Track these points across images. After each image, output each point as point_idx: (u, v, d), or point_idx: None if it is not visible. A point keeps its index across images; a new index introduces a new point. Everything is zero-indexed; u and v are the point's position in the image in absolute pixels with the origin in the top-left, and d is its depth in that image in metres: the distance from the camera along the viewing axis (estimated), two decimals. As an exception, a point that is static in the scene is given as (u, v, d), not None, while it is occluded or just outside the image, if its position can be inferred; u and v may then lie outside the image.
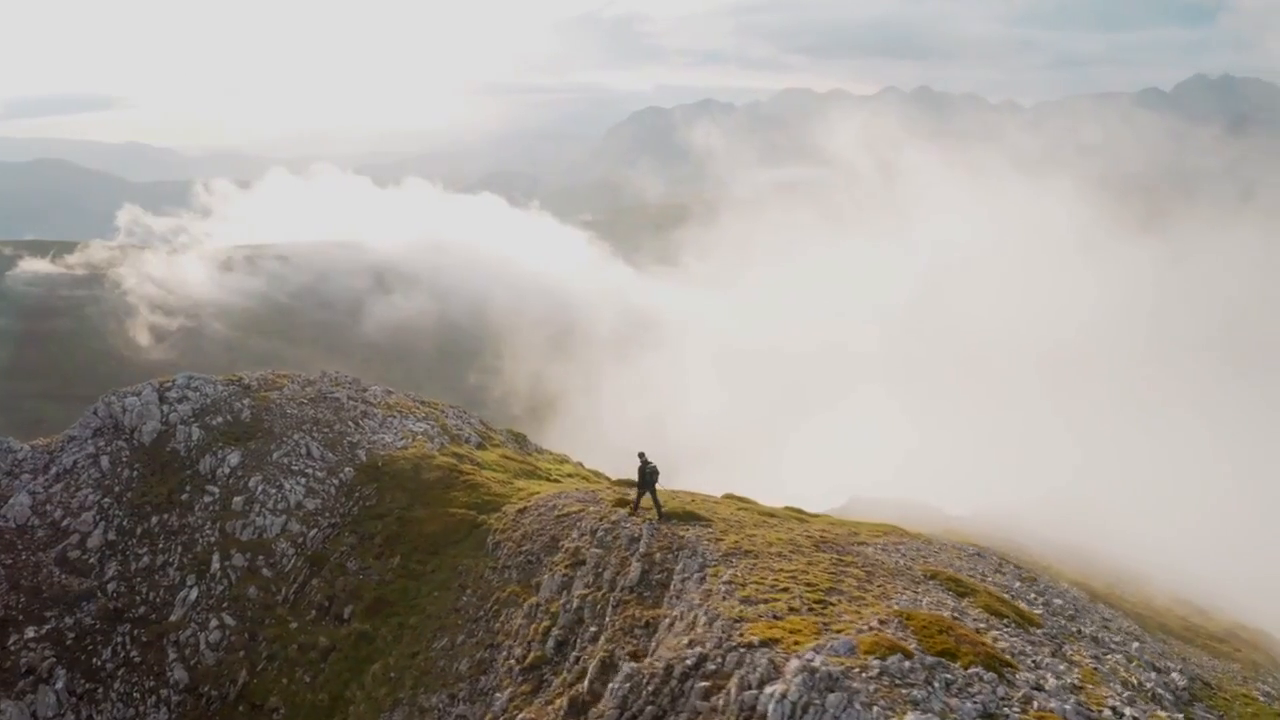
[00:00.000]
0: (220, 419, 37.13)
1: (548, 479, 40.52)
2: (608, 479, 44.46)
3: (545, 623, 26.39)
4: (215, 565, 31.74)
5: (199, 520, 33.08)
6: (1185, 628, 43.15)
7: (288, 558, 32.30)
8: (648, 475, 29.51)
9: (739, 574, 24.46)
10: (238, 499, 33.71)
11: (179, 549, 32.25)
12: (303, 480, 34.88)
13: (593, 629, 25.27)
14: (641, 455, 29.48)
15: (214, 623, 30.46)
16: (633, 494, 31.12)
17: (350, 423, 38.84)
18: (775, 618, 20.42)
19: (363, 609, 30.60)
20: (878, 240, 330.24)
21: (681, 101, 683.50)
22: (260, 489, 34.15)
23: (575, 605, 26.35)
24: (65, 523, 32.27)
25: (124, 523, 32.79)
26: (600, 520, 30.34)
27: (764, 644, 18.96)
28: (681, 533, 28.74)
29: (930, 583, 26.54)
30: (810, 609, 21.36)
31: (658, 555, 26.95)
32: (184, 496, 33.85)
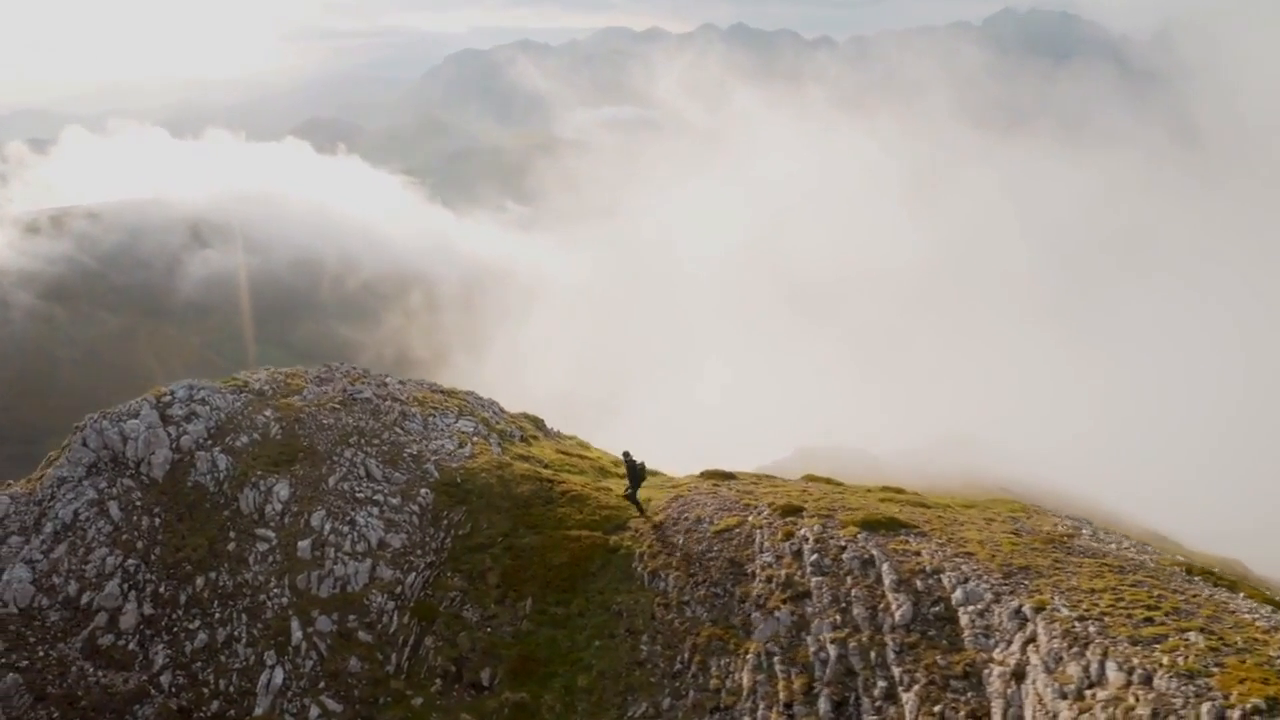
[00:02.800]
0: (245, 438, 29.34)
1: (621, 476, 35.28)
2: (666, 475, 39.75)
3: (800, 678, 21.77)
4: (297, 635, 24.76)
5: (260, 576, 25.78)
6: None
7: (387, 614, 25.73)
8: (639, 471, 28.80)
9: (1064, 601, 20.96)
10: (303, 543, 26.56)
11: (243, 618, 24.96)
12: (375, 510, 28.04)
13: (880, 683, 20.98)
14: (626, 454, 29.38)
15: (314, 711, 23.71)
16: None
17: (397, 429, 31.96)
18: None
19: (507, 671, 24.74)
20: (711, 182, 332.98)
21: (498, 42, 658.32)
22: (328, 527, 27.10)
23: (833, 653, 21.88)
24: (84, 599, 24.19)
25: (160, 590, 25.04)
26: (787, 537, 25.87)
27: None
28: (901, 547, 24.82)
29: (1199, 581, 24.10)
30: (1223, 645, 18.02)
31: (918, 584, 22.85)
32: (231, 546, 26.31)
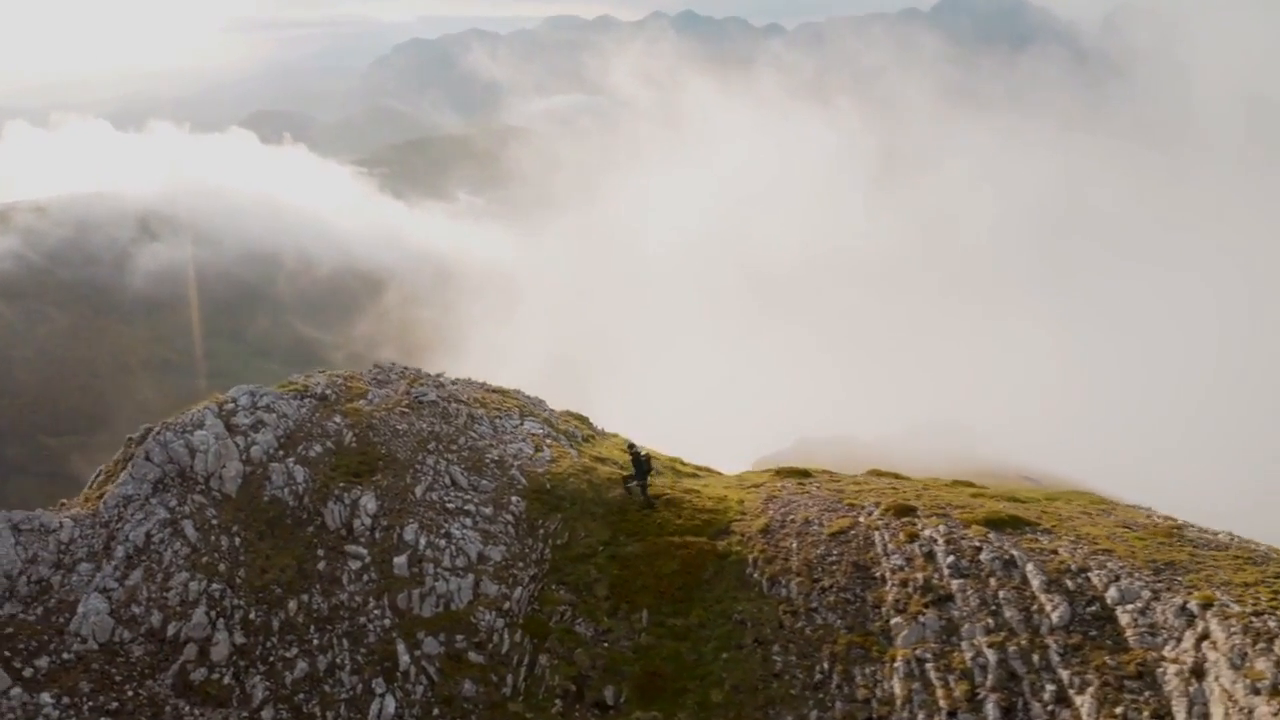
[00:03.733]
0: (318, 447, 27.30)
1: (691, 475, 33.92)
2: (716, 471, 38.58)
3: (961, 684, 20.68)
4: (404, 659, 22.97)
5: (356, 597, 23.89)
6: None
7: (497, 632, 24.05)
8: (644, 464, 28.33)
9: (1228, 596, 20.18)
10: (398, 559, 24.71)
11: (344, 643, 23.09)
12: (469, 521, 26.29)
13: (1048, 687, 20.02)
14: (631, 445, 29.14)
15: (431, 739, 21.97)
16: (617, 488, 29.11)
17: (470, 432, 30.21)
18: None
19: (633, 689, 23.25)
20: (670, 171, 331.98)
21: (447, 31, 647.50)
22: (423, 541, 25.27)
23: (993, 658, 20.83)
24: (170, 630, 22.10)
25: (250, 616, 23.02)
26: (911, 539, 24.81)
27: None
28: (1034, 545, 23.87)
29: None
30: None
31: (1067, 583, 21.90)
32: (321, 565, 24.36)
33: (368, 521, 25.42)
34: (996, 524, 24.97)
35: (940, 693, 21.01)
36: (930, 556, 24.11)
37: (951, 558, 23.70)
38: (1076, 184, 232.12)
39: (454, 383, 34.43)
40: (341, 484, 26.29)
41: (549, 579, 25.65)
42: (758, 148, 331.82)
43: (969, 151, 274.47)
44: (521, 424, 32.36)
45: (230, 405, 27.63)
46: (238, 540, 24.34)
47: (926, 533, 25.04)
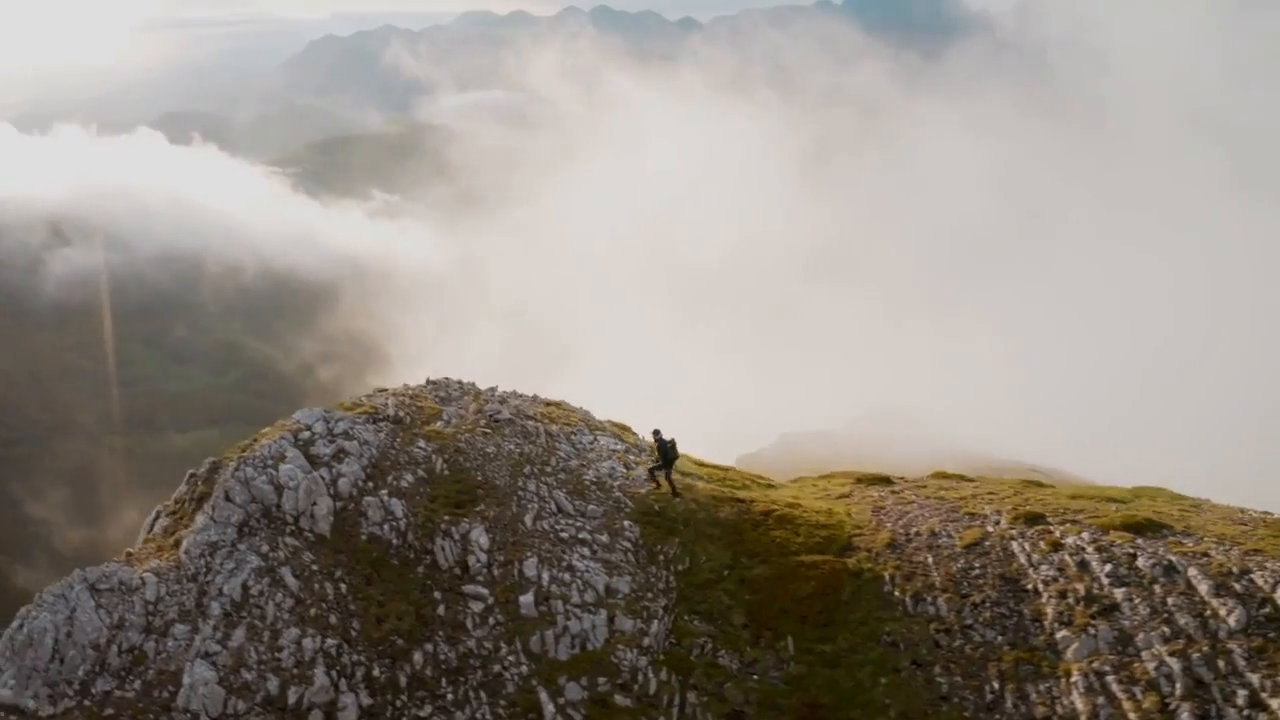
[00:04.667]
0: (409, 477, 24.90)
1: (744, 487, 32.42)
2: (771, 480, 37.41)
3: (1149, 695, 19.79)
4: (549, 708, 20.93)
5: (485, 643, 21.70)
6: None
7: (640, 671, 22.15)
8: (669, 451, 27.12)
9: None
10: (524, 598, 22.58)
11: (481, 695, 20.90)
12: (587, 551, 24.30)
13: (1240, 692, 19.26)
14: (657, 433, 27.44)
15: (591, 795, 20.01)
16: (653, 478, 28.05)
17: (557, 453, 28.18)
18: None
19: (795, 723, 21.66)
20: (595, 169, 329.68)
21: (360, 28, 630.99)
22: (546, 576, 23.18)
23: (1177, 667, 20.01)
24: (290, 696, 19.56)
25: (374, 672, 20.62)
26: (1055, 548, 23.95)
27: None
28: (1183, 549, 23.20)
29: None
30: None
31: (1235, 586, 21.24)
32: (441, 610, 22.06)
33: (483, 557, 23.20)
34: (1137, 528, 24.25)
35: (1128, 705, 20.07)
36: (1084, 566, 23.19)
37: (1109, 566, 22.81)
38: (1006, 171, 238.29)
39: (516, 397, 32.20)
40: (446, 517, 23.98)
41: (679, 609, 23.85)
42: (684, 143, 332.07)
43: (896, 142, 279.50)
44: (595, 440, 30.39)
45: (306, 433, 24.97)
46: (343, 587, 21.85)
47: (1070, 540, 24.14)
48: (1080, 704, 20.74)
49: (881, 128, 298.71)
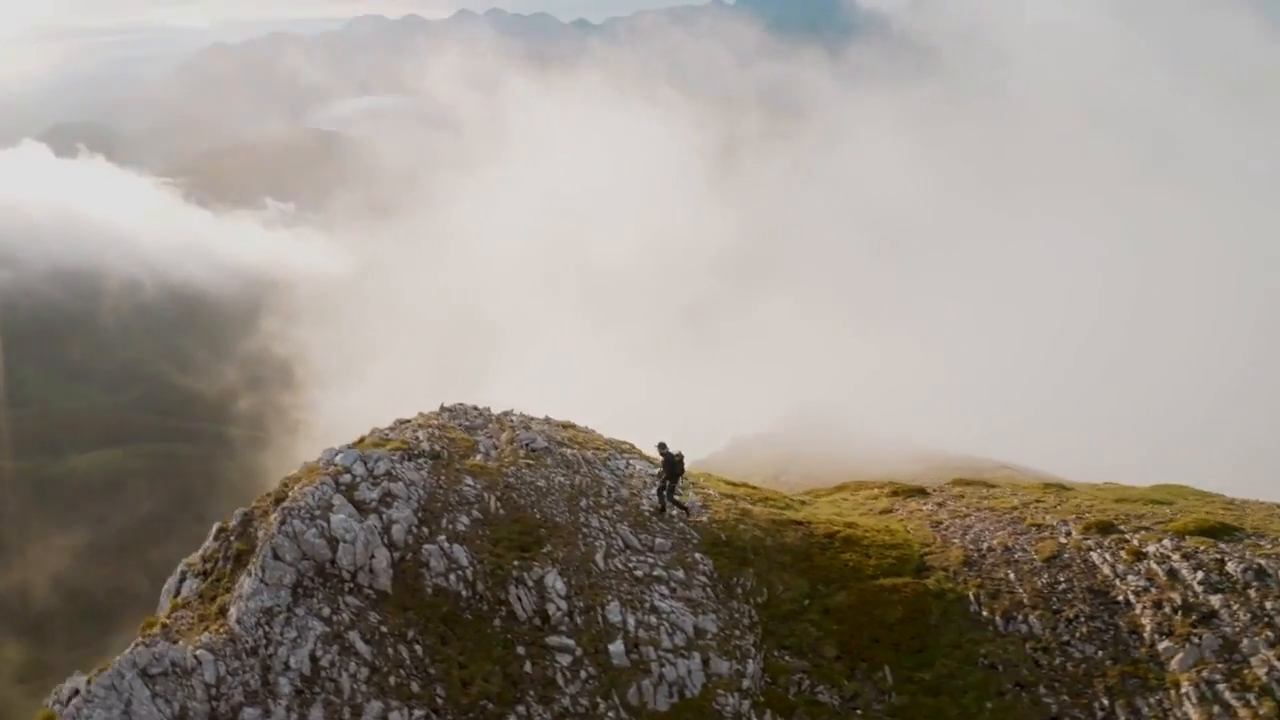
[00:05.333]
0: (465, 519, 22.80)
1: (766, 500, 31.39)
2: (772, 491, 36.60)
3: (1265, 701, 19.67)
4: (657, 765, 19.30)
5: (581, 700, 19.91)
6: None
7: (744, 716, 20.73)
8: (677, 466, 25.61)
9: None
10: (613, 647, 20.85)
11: (584, 757, 19.11)
12: (664, 589, 22.70)
13: None
14: (662, 446, 25.86)
15: None
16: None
17: (605, 482, 26.43)
18: None
19: (908, 759, 20.62)
20: (500, 173, 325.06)
21: (250, 35, 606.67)
22: (632, 621, 21.49)
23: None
24: (389, 778, 17.40)
25: (468, 741, 18.60)
26: (1137, 557, 23.64)
27: None
28: (1261, 550, 23.18)
29: None
30: None
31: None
32: (528, 667, 20.13)
33: (562, 605, 21.33)
34: (1212, 532, 24.16)
35: (1244, 713, 19.77)
36: (1174, 574, 22.89)
37: (1200, 574, 22.56)
38: (911, 165, 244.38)
39: (537, 422, 30.30)
40: (515, 562, 21.99)
41: (768, 644, 22.50)
42: (589, 145, 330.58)
43: (801, 140, 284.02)
44: (629, 464, 28.77)
45: (347, 476, 22.59)
46: (418, 649, 19.69)
47: (1151, 549, 23.86)
48: (1195, 714, 20.34)
49: (786, 125, 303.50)
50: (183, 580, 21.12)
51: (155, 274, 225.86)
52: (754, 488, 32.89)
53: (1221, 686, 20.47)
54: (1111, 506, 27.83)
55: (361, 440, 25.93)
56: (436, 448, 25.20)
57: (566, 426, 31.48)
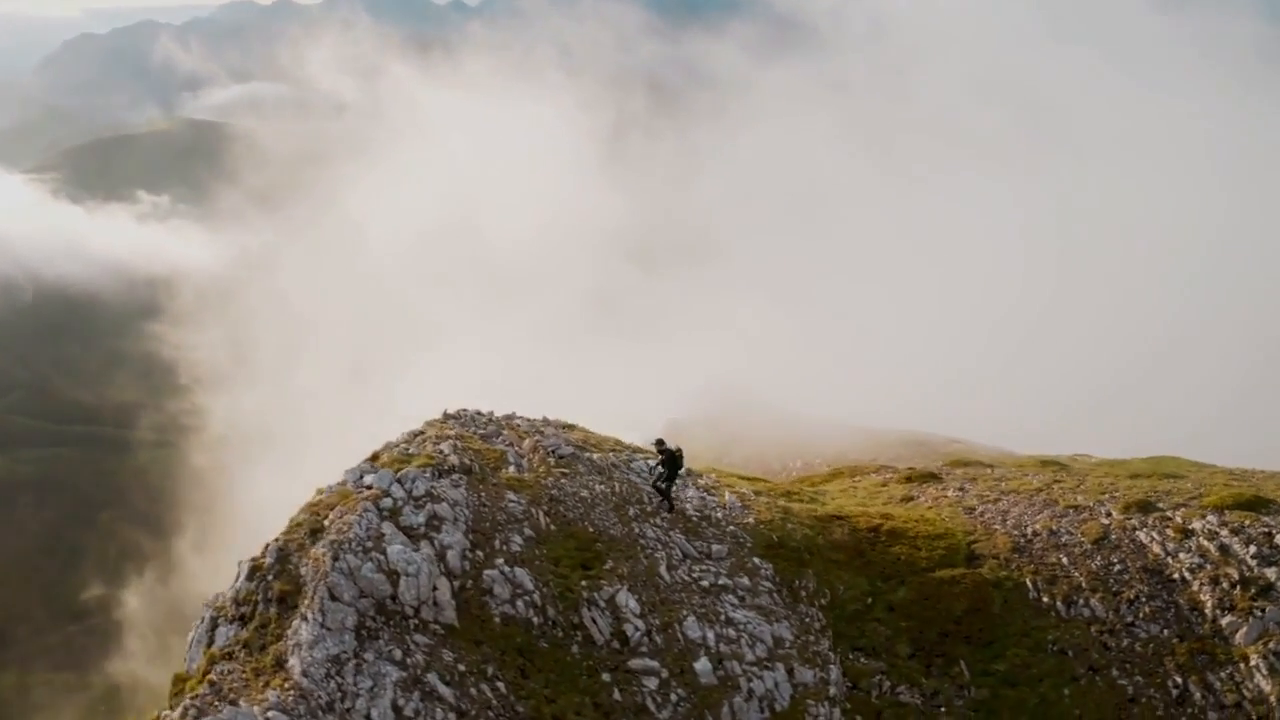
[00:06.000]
0: (518, 538, 21.16)
1: (816, 495, 30.90)
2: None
3: None
4: (760, 787, 18.34)
5: (674, 724, 18.71)
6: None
7: (838, 726, 19.97)
8: (678, 462, 24.27)
9: None
10: (699, 665, 19.72)
11: (690, 786, 17.96)
12: (733, 598, 21.67)
13: None
14: (660, 443, 24.56)
15: None
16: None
17: (641, 488, 25.12)
18: None
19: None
20: (389, 162, 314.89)
21: (117, 24, 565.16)
22: (711, 635, 20.38)
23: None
24: (501, 834, 15.83)
25: (569, 784, 17.17)
26: (1184, 535, 24.07)
27: None
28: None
29: None
30: None
31: None
32: (617, 695, 18.77)
33: (639, 624, 20.01)
34: (1251, 505, 24.75)
35: None
36: (1225, 550, 23.27)
37: (1252, 548, 23.01)
38: (802, 142, 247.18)
39: (545, 424, 28.69)
40: (583, 582, 20.52)
41: (841, 647, 21.75)
42: (477, 131, 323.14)
43: (690, 119, 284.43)
44: (648, 465, 27.51)
45: (388, 500, 20.61)
46: (501, 685, 18.07)
47: (1197, 525, 24.24)
48: (1266, 686, 20.72)
49: (674, 105, 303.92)
50: (214, 627, 18.80)
51: (28, 273, 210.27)
52: (761, 479, 32.20)
53: (1291, 656, 20.89)
54: (1130, 483, 28.28)
55: (376, 456, 23.82)
56: (466, 461, 23.35)
57: (569, 428, 29.95)
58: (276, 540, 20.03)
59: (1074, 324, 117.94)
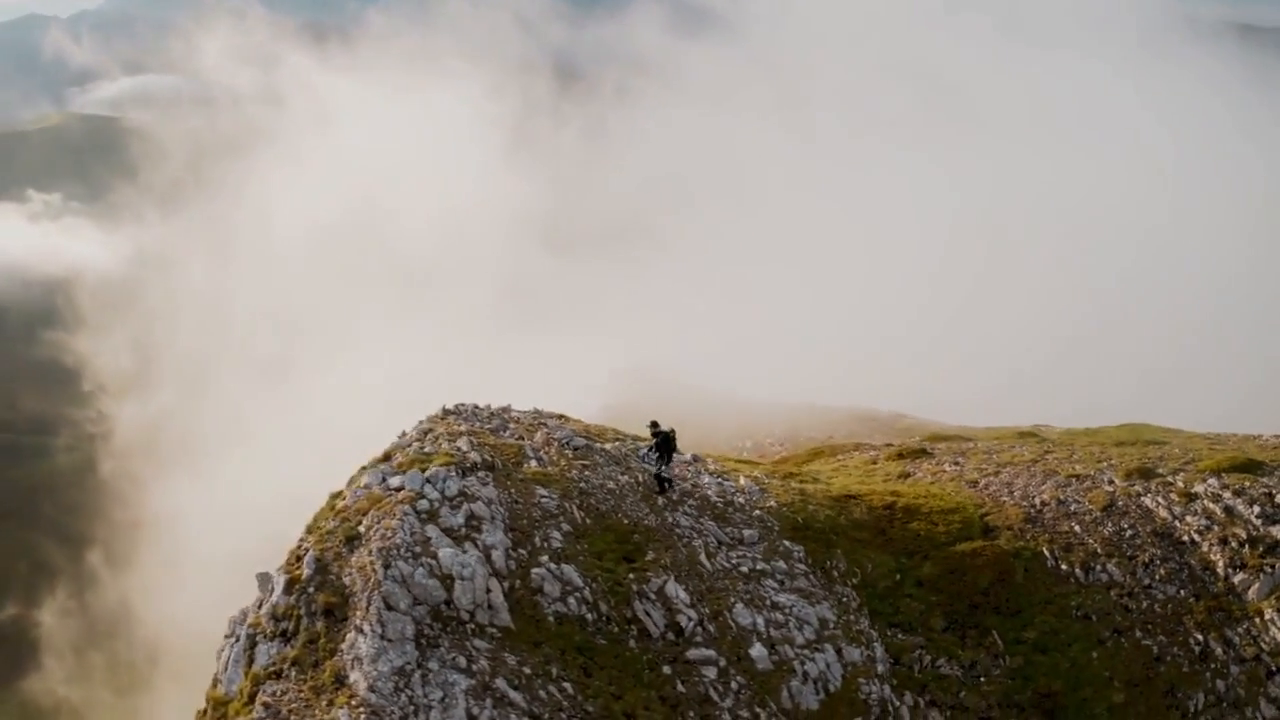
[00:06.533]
0: (557, 534, 20.63)
1: (814, 475, 31.15)
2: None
3: None
4: (828, 769, 18.38)
5: (741, 713, 18.56)
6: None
7: (888, 702, 20.24)
8: (671, 443, 24.01)
9: None
10: (754, 651, 19.61)
11: (761, 774, 17.87)
12: (773, 583, 21.62)
13: None
14: (655, 424, 24.41)
15: None
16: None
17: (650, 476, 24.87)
18: None
19: (1040, 715, 20.89)
20: (290, 155, 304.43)
21: (2, 19, 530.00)
22: (760, 621, 20.29)
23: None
24: (593, 838, 15.42)
25: (650, 784, 16.85)
26: (1188, 498, 25.30)
27: None
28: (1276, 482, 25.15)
29: None
30: None
31: None
32: (680, 686, 18.49)
33: (691, 614, 19.74)
34: (1246, 468, 25.94)
35: None
36: (1230, 511, 24.34)
37: (1256, 508, 24.14)
38: (705, 125, 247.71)
39: (539, 415, 28.09)
40: (629, 575, 20.14)
41: (878, 624, 21.93)
42: (380, 121, 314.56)
43: (594, 105, 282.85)
44: (650, 451, 27.27)
45: (424, 503, 19.81)
46: (568, 686, 17.56)
47: (1199, 489, 25.32)
48: (1282, 638, 21.76)
49: (579, 90, 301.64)
50: (253, 645, 17.73)
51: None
52: (749, 462, 32.29)
53: (1302, 610, 21.98)
54: (1119, 450, 29.37)
55: (389, 456, 22.87)
56: (487, 457, 22.62)
57: (563, 419, 29.41)
58: (309, 549, 19.04)
59: (1002, 297, 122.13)
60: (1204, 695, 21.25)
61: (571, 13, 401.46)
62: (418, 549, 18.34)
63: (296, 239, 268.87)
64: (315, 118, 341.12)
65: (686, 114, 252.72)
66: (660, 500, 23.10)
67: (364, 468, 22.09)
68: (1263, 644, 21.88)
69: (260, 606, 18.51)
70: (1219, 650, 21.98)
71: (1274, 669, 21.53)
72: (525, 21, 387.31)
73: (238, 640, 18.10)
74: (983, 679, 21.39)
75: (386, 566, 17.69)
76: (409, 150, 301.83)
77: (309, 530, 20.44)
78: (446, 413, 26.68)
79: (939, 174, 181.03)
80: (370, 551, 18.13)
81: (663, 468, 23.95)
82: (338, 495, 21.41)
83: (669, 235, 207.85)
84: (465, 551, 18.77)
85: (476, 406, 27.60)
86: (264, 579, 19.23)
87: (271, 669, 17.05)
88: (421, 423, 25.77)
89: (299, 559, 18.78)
